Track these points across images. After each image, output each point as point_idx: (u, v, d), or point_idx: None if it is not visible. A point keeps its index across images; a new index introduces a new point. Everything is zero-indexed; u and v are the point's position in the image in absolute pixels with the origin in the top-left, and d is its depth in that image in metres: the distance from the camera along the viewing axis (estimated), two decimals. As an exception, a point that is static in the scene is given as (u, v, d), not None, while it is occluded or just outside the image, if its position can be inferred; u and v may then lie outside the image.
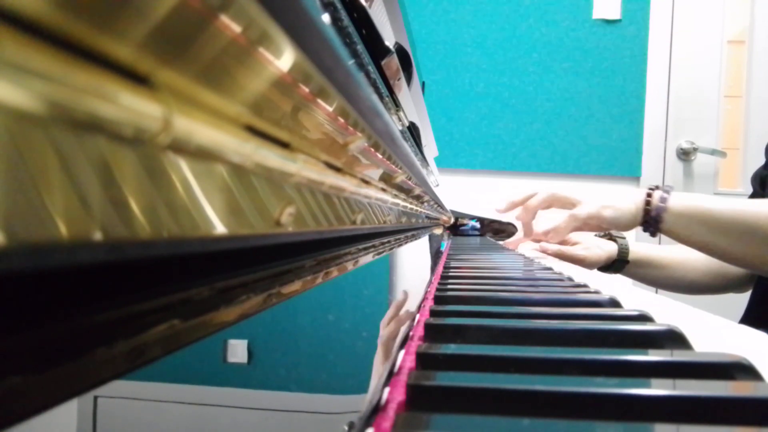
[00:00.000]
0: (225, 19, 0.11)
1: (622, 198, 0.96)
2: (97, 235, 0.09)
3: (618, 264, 1.12)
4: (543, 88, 2.03)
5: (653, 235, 0.93)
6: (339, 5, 0.23)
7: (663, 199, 0.90)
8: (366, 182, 0.32)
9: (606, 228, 0.99)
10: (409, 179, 0.49)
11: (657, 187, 0.94)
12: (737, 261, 0.90)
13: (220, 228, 0.14)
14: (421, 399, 0.22)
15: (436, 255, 0.88)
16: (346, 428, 0.18)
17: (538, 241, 1.09)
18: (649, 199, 0.92)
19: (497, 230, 1.81)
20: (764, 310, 1.03)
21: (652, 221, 0.91)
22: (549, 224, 1.02)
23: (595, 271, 1.10)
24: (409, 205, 0.60)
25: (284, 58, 0.14)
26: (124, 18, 0.09)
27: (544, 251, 1.05)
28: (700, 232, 0.87)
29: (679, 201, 0.90)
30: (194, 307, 0.14)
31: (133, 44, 0.09)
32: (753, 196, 1.12)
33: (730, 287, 1.14)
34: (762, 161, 1.11)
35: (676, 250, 1.12)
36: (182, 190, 0.12)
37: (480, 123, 2.05)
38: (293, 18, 0.13)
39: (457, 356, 0.26)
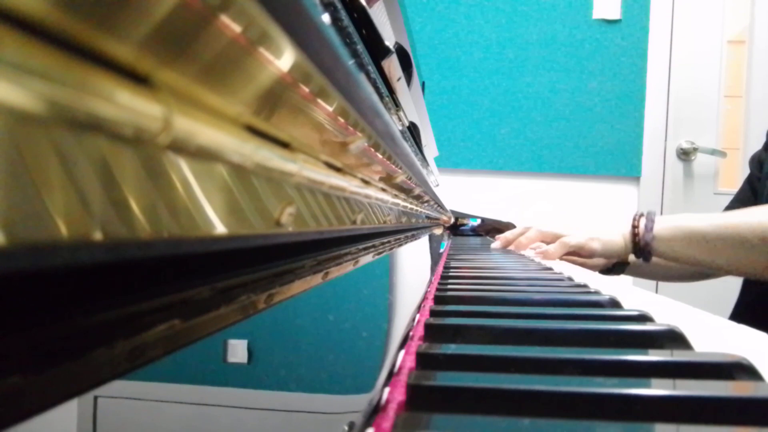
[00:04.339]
0: (225, 19, 0.11)
1: (608, 230, 1.00)
2: (97, 235, 0.09)
3: (618, 267, 1.13)
4: (543, 88, 2.03)
5: (647, 261, 0.96)
6: (339, 5, 0.23)
7: (648, 228, 0.94)
8: (366, 182, 0.32)
9: (598, 257, 1.03)
10: (409, 179, 0.49)
11: (641, 216, 0.97)
12: (730, 272, 0.93)
13: (220, 228, 0.14)
14: (421, 399, 0.22)
15: (435, 255, 0.88)
16: (346, 428, 0.18)
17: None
18: (636, 230, 0.96)
19: (498, 231, 1.82)
20: (755, 301, 1.04)
21: (642, 249, 0.95)
22: (540, 248, 1.06)
23: (597, 273, 1.10)
24: (409, 205, 0.60)
25: (284, 58, 0.14)
26: (124, 18, 0.09)
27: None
28: (689, 252, 0.91)
29: (664, 225, 0.93)
30: (194, 307, 0.14)
31: (133, 44, 0.09)
32: (750, 178, 1.13)
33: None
34: (760, 146, 1.12)
35: None
36: (182, 190, 0.12)
37: (480, 123, 2.05)
38: (293, 18, 0.13)
39: (457, 356, 0.26)
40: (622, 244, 0.98)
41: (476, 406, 0.22)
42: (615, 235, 0.99)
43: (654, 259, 1.12)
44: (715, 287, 1.23)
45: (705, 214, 0.93)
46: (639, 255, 0.96)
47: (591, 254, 1.00)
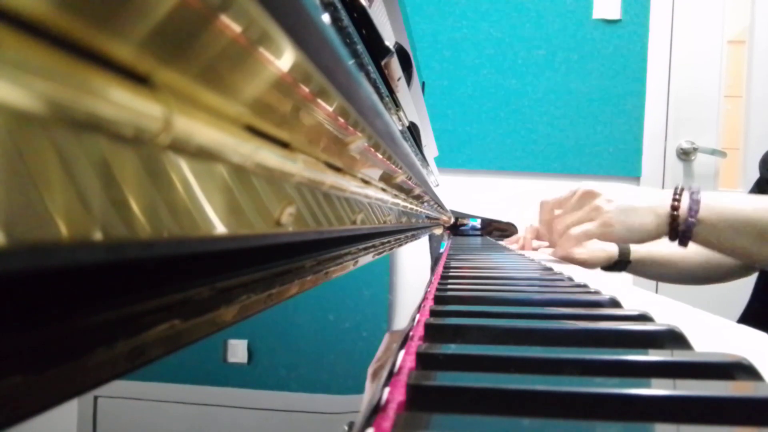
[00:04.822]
0: (225, 19, 0.11)
1: (639, 208, 0.85)
2: (97, 235, 0.09)
3: (620, 264, 1.11)
4: (543, 88, 2.03)
5: (683, 245, 0.83)
6: (339, 5, 0.23)
7: (693, 211, 0.80)
8: (366, 182, 0.32)
9: (622, 242, 0.92)
10: (409, 179, 0.49)
11: (682, 191, 0.83)
12: None
13: (220, 228, 0.14)
14: (421, 399, 0.22)
15: (435, 255, 0.88)
16: (346, 428, 0.18)
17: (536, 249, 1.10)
18: (675, 213, 0.82)
19: (499, 230, 1.82)
20: (766, 306, 1.02)
21: (681, 234, 0.82)
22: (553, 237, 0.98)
23: (597, 270, 1.09)
24: (409, 205, 0.60)
25: (284, 58, 0.14)
26: (124, 18, 0.09)
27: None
28: (737, 241, 0.79)
29: (712, 210, 0.80)
30: (194, 307, 0.14)
31: (133, 44, 0.09)
32: (759, 181, 1.09)
33: (730, 275, 1.11)
34: (763, 146, 1.09)
35: (676, 245, 1.10)
36: (182, 190, 0.12)
37: (480, 123, 2.05)
38: (293, 18, 0.13)
39: (457, 356, 0.26)
40: (653, 227, 0.84)
41: (476, 406, 0.22)
42: (645, 215, 0.84)
43: (660, 257, 1.08)
44: (721, 291, 1.21)
45: (753, 197, 0.81)
46: (675, 239, 0.83)
47: (612, 241, 0.89)
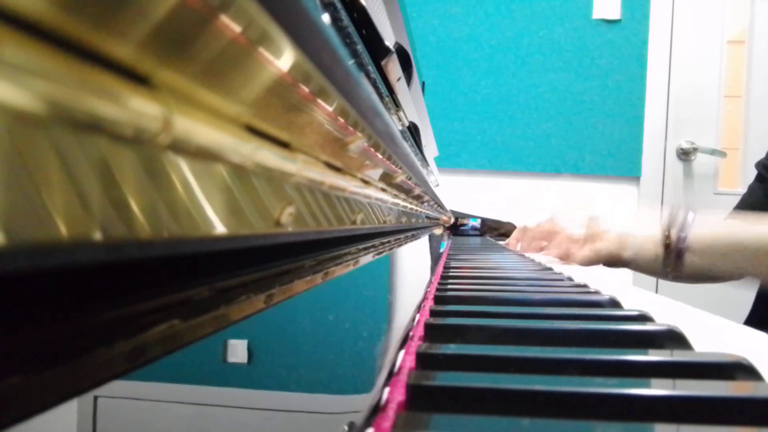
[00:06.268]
0: (225, 19, 0.11)
1: (641, 235, 0.86)
2: (97, 235, 0.09)
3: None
4: (543, 88, 2.03)
5: (678, 272, 0.81)
6: (339, 5, 0.23)
7: (682, 240, 0.80)
8: (366, 182, 0.32)
9: (632, 268, 0.91)
10: (409, 179, 0.49)
11: (674, 220, 0.82)
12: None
13: (220, 228, 0.14)
14: (421, 399, 0.22)
15: (435, 255, 0.88)
16: (346, 428, 0.18)
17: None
18: (667, 242, 0.82)
19: (498, 230, 1.82)
20: None
21: (673, 263, 0.81)
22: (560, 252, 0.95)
23: (597, 268, 1.06)
24: (409, 205, 0.60)
25: (284, 58, 0.14)
26: (124, 18, 0.09)
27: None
28: (732, 265, 0.78)
29: (701, 238, 0.80)
30: (194, 307, 0.14)
31: (133, 44, 0.09)
32: (761, 179, 1.08)
33: (729, 277, 1.10)
34: (762, 146, 1.09)
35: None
36: (182, 190, 0.12)
37: (480, 123, 2.05)
38: (293, 18, 0.13)
39: (457, 356, 0.26)
40: (653, 254, 0.83)
41: (476, 406, 0.22)
42: (647, 241, 0.84)
43: None
44: (722, 293, 1.20)
45: (741, 222, 0.80)
46: (669, 270, 0.82)
47: (622, 265, 0.87)
